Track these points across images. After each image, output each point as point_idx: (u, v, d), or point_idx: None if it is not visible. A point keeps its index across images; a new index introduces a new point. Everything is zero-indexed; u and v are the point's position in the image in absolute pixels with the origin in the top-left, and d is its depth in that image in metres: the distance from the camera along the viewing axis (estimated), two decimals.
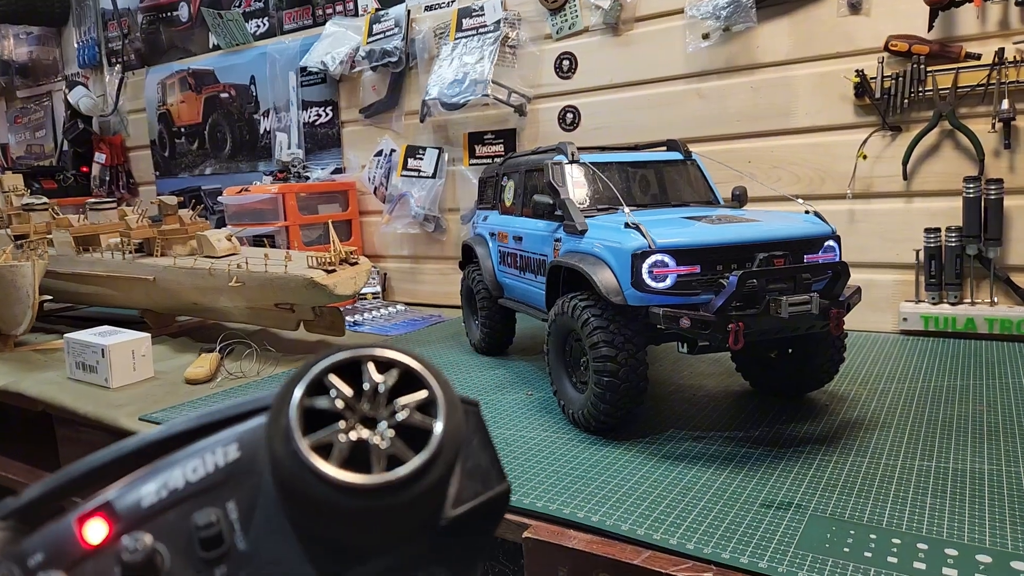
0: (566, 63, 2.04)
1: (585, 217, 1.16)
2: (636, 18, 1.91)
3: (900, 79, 1.58)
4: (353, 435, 0.29)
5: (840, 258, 1.08)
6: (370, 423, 0.30)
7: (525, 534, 0.81)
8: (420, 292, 2.41)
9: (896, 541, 0.76)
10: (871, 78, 1.61)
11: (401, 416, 0.30)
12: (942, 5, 1.53)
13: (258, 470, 0.30)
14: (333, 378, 0.31)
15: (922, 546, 0.75)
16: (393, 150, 2.38)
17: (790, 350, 1.19)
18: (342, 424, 0.29)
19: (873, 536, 0.77)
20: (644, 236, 1.00)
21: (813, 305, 0.96)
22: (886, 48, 1.59)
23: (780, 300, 0.94)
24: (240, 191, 2.31)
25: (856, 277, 1.18)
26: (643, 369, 1.02)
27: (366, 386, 0.31)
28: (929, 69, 1.56)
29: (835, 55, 1.67)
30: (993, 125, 1.52)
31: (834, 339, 1.11)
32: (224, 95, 2.84)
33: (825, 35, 1.68)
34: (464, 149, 2.23)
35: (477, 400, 0.39)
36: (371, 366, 0.31)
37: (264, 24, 2.74)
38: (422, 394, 0.31)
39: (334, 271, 1.65)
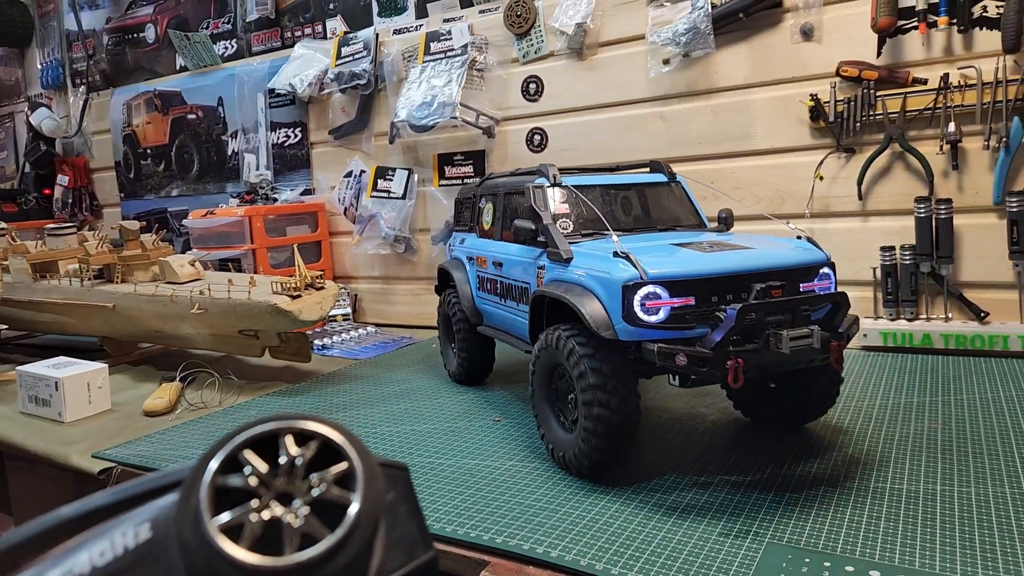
0: (533, 86, 2.06)
1: (569, 243, 1.11)
2: (600, 43, 1.95)
3: (852, 103, 1.63)
4: (266, 514, 0.29)
5: (836, 286, 1.04)
6: (286, 500, 0.29)
7: (483, 572, 0.81)
8: (392, 313, 2.40)
9: (849, 569, 0.77)
10: (825, 102, 1.66)
11: (317, 491, 0.29)
12: (889, 32, 1.58)
13: (170, 552, 0.30)
14: (248, 454, 0.30)
15: (874, 573, 0.76)
16: (363, 171, 2.38)
17: (786, 380, 1.14)
18: (255, 503, 0.29)
19: (828, 564, 0.78)
20: (635, 266, 0.94)
21: (815, 339, 0.91)
22: (838, 73, 1.63)
23: (780, 334, 0.89)
24: (205, 214, 2.29)
25: None
26: (636, 405, 0.97)
27: (283, 460, 0.30)
28: (879, 93, 1.61)
29: (791, 80, 1.72)
30: (941, 147, 1.57)
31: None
32: (191, 116, 2.82)
33: (780, 61, 1.73)
34: (434, 170, 2.24)
35: (405, 464, 0.38)
36: (289, 439, 0.31)
37: (232, 46, 2.73)
38: (341, 466, 0.30)
39: (299, 296, 1.64)
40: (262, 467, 0.30)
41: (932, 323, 1.62)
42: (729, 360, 0.88)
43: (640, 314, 0.93)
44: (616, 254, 0.98)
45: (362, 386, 1.65)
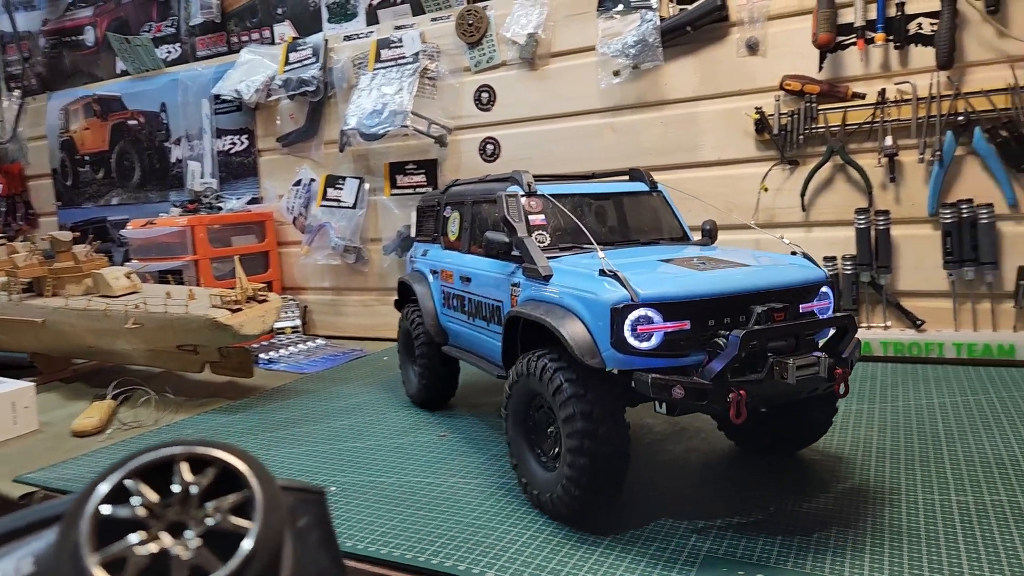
0: (485, 95, 2.05)
1: (547, 258, 1.02)
2: (551, 54, 1.95)
3: (795, 116, 1.66)
4: (154, 546, 0.27)
5: (836, 308, 0.98)
6: (179, 531, 0.28)
7: None
8: (343, 325, 2.35)
9: None
10: (769, 115, 1.69)
11: (212, 521, 0.28)
12: (830, 48, 1.62)
13: None
14: (138, 482, 0.29)
15: None
16: (312, 179, 2.33)
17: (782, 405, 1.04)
18: (141, 535, 0.27)
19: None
20: (624, 286, 0.85)
21: (822, 367, 0.83)
22: (781, 87, 1.67)
23: (786, 363, 0.81)
24: (145, 224, 2.21)
25: None
26: (626, 438, 0.88)
27: (176, 488, 0.29)
28: (820, 107, 1.64)
29: (737, 92, 1.75)
30: (879, 160, 1.61)
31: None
32: (132, 122, 2.72)
33: (727, 74, 1.75)
34: (385, 179, 2.20)
35: (322, 488, 0.37)
36: (184, 466, 0.29)
37: (176, 50, 2.65)
38: (238, 494, 0.29)
39: (240, 310, 1.59)
40: (152, 496, 0.28)
41: (872, 331, 1.66)
42: (731, 392, 0.80)
43: (630, 340, 0.84)
44: (603, 272, 0.89)
45: (307, 401, 1.61)
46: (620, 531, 0.90)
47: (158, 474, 0.29)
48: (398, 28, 2.14)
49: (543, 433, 0.96)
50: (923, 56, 1.57)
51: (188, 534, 0.28)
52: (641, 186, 1.27)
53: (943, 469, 1.04)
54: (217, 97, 2.46)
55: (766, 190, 1.73)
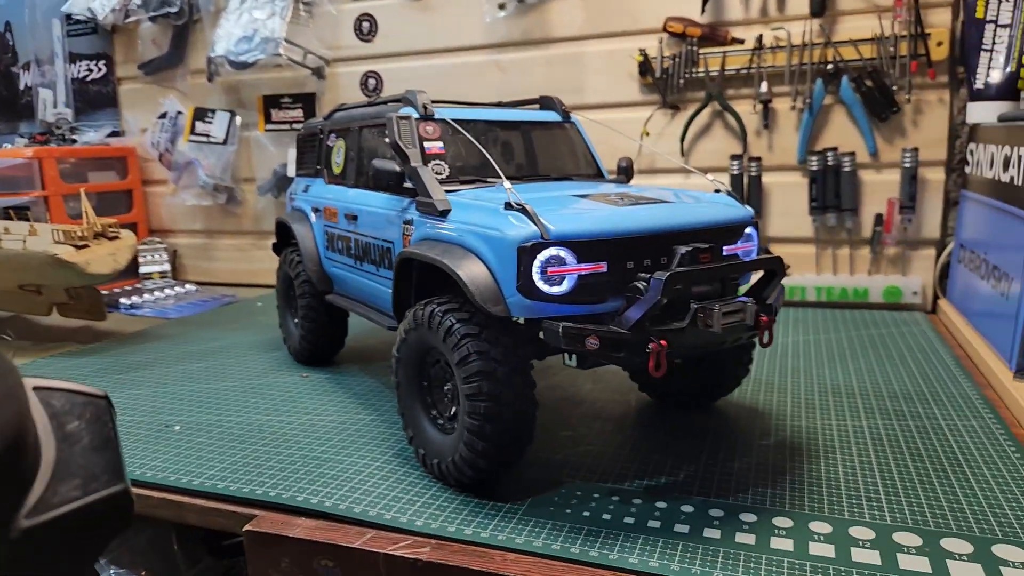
0: (366, 25, 1.93)
1: (446, 191, 0.89)
2: None
3: (677, 60, 1.66)
4: None
5: (760, 249, 0.90)
6: None
7: (247, 527, 0.74)
8: (215, 271, 2.21)
9: (636, 502, 0.78)
10: (653, 58, 1.68)
11: None
12: None
13: None
14: None
15: (661, 504, 0.77)
16: (180, 112, 2.14)
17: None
18: None
19: (638, 501, 0.78)
20: (534, 222, 0.74)
21: (748, 315, 0.76)
22: (664, 29, 1.66)
23: (712, 310, 0.73)
24: None
25: None
26: (532, 397, 0.78)
27: None
28: (701, 51, 1.65)
29: (622, 33, 1.73)
30: (755, 106, 1.64)
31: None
32: None
33: (614, 13, 1.73)
34: (259, 113, 2.05)
35: (104, 393, 0.36)
36: None
37: None
38: None
39: (86, 247, 1.45)
40: None
41: None
42: (651, 343, 0.71)
43: (540, 284, 0.74)
44: (508, 206, 0.78)
45: (164, 345, 1.49)
46: (522, 497, 0.79)
47: None
48: None
49: (439, 393, 0.85)
50: (798, 3, 1.60)
51: None
52: (553, 115, 1.16)
53: (812, 399, 1.08)
54: (69, 17, 2.20)
55: (647, 135, 1.74)
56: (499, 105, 1.21)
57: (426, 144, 0.98)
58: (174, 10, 2.01)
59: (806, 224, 1.67)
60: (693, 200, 0.89)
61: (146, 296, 1.95)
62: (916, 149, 1.55)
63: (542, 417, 0.87)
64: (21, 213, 1.92)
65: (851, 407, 1.03)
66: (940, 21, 1.53)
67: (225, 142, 2.05)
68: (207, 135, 2.07)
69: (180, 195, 2.12)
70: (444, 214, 0.85)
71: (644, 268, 0.77)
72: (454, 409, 0.82)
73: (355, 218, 1.09)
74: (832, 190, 1.62)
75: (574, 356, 0.79)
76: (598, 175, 1.14)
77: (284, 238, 1.38)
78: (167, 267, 2.18)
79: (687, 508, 0.76)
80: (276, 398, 1.14)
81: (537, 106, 1.20)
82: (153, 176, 2.22)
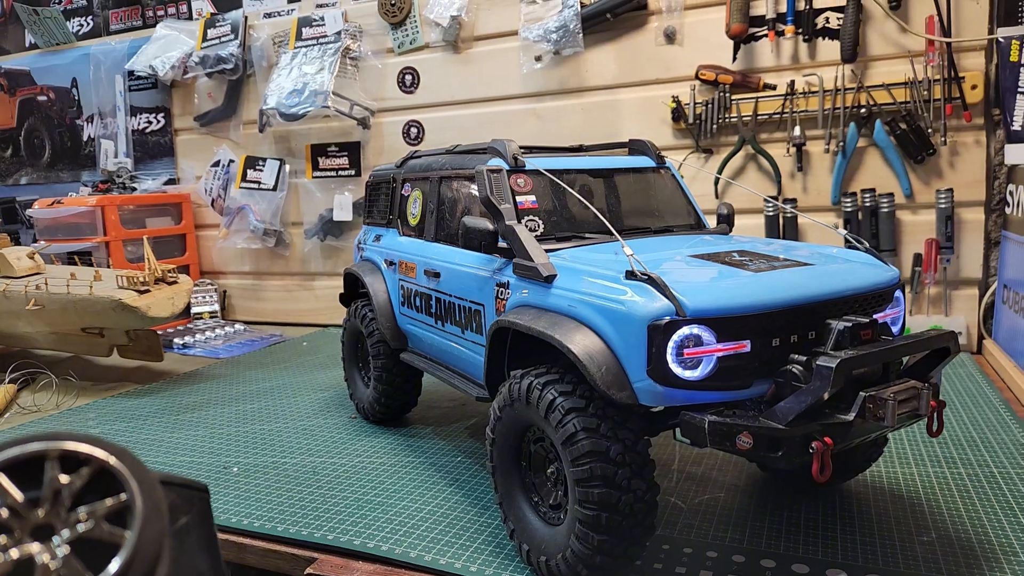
0: (408, 78, 2.03)
1: (544, 251, 0.80)
2: (475, 37, 1.94)
3: (710, 106, 1.71)
4: (15, 552, 0.24)
5: (904, 315, 0.79)
6: (46, 534, 0.25)
7: (308, 569, 0.78)
8: (263, 310, 2.29)
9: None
10: (685, 104, 1.73)
11: (84, 527, 0.25)
12: (743, 39, 1.67)
13: None
14: (2, 479, 0.26)
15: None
16: (232, 160, 2.25)
17: None
18: (3, 539, 0.25)
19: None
20: (665, 295, 0.65)
21: (922, 404, 0.65)
22: (697, 76, 1.71)
23: (885, 399, 0.62)
24: (52, 203, 2.10)
25: None
26: (653, 482, 0.68)
27: (45, 489, 0.26)
28: (733, 97, 1.69)
29: (655, 81, 1.78)
30: (788, 150, 1.67)
31: None
32: (42, 98, 2.58)
33: (646, 62, 1.78)
34: (307, 161, 2.15)
35: (204, 485, 0.35)
36: (55, 463, 0.27)
37: (88, 23, 2.52)
38: (115, 499, 0.26)
39: (148, 291, 1.53)
40: (18, 496, 0.26)
41: None
42: (814, 441, 0.61)
43: (675, 368, 0.64)
44: (631, 275, 0.68)
45: (218, 386, 1.56)
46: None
47: (26, 471, 0.26)
48: (320, 6, 2.09)
49: (541, 475, 0.76)
50: (829, 49, 1.64)
51: (56, 540, 0.25)
52: (646, 161, 1.06)
53: None
54: (131, 73, 2.35)
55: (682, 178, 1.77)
56: (581, 149, 1.14)
57: (518, 198, 0.89)
58: (229, 67, 2.13)
59: None
60: (834, 260, 0.78)
61: (198, 336, 2.03)
62: (951, 190, 1.56)
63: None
64: (84, 258, 2.04)
65: (900, 453, 1.03)
66: (974, 65, 1.54)
67: (275, 188, 2.15)
68: (258, 182, 2.17)
69: (231, 238, 2.22)
70: (549, 279, 0.76)
71: (792, 346, 0.66)
72: (558, 495, 0.72)
73: (437, 275, 1.01)
74: (868, 230, 1.63)
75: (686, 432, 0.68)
76: (699, 225, 1.04)
77: (353, 289, 1.33)
78: (216, 307, 2.27)
79: (767, 563, 0.77)
80: (327, 440, 1.18)
81: (625, 151, 1.11)
82: (205, 221, 2.33)
